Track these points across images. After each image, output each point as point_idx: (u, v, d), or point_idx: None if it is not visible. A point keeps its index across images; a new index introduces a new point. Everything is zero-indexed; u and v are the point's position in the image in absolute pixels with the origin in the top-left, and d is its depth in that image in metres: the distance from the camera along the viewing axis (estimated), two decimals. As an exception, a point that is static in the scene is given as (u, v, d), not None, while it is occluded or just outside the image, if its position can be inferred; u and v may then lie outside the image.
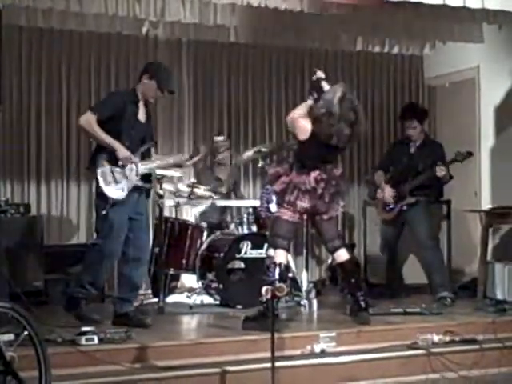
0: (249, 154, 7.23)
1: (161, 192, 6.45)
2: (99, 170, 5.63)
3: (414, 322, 5.97)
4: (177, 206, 7.02)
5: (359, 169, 8.83)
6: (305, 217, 6.07)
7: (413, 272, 7.47)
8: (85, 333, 5.03)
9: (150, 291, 7.06)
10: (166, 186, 6.64)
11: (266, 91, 8.52)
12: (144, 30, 7.46)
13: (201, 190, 6.96)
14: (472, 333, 5.81)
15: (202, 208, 7.26)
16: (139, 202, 5.82)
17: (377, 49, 8.31)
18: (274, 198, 6.21)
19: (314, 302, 6.68)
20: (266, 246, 6.42)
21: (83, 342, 4.96)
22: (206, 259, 6.82)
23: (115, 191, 5.62)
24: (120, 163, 5.64)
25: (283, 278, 5.65)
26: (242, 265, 6.75)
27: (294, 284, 6.84)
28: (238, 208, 7.37)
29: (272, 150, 7.32)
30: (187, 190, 6.91)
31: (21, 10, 6.77)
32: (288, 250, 5.90)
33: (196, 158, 6.14)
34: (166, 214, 6.98)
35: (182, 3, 6.83)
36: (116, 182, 5.64)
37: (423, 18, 6.94)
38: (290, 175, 5.79)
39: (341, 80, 7.07)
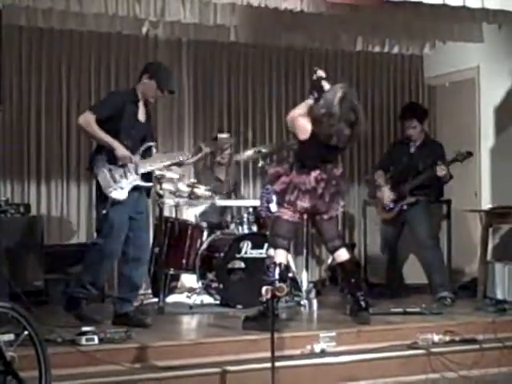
0: (249, 153, 7.23)
1: (161, 192, 6.45)
2: (98, 172, 5.63)
3: (414, 321, 5.97)
4: (177, 205, 7.02)
5: (359, 169, 8.83)
6: (305, 217, 6.07)
7: (413, 272, 7.48)
8: (85, 333, 5.02)
9: (150, 291, 7.06)
10: (166, 185, 6.64)
11: (266, 91, 8.52)
12: (144, 29, 7.46)
13: (201, 190, 6.96)
14: (472, 333, 5.81)
15: (202, 208, 7.26)
16: (139, 202, 5.82)
17: (377, 49, 8.31)
18: (274, 197, 6.20)
19: (314, 301, 6.68)
20: (266, 245, 6.42)
21: (83, 341, 4.96)
22: (206, 259, 6.82)
23: (115, 191, 5.62)
24: (119, 162, 5.64)
25: (283, 277, 5.65)
26: (242, 265, 6.75)
27: (294, 284, 6.85)
28: (238, 208, 7.37)
29: (272, 151, 7.32)
30: (187, 189, 6.91)
31: (21, 9, 6.77)
32: (288, 250, 5.90)
33: (198, 156, 6.10)
34: (166, 213, 6.98)
35: (182, 3, 6.83)
36: (115, 181, 5.64)
37: (423, 18, 6.94)
38: (290, 175, 5.79)
39: (341, 80, 7.07)
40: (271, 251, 5.77)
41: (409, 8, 6.39)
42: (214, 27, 7.38)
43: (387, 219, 7.22)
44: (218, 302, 6.74)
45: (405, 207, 7.03)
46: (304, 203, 5.70)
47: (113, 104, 5.73)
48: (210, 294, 6.81)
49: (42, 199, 7.60)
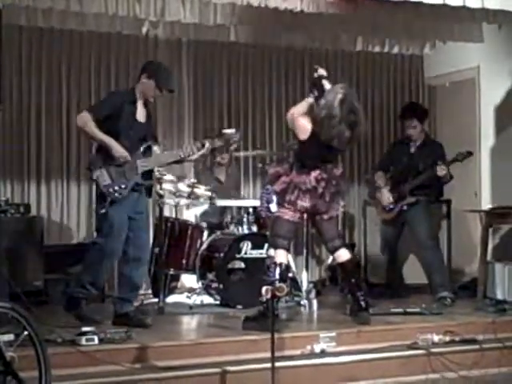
0: (248, 153, 7.24)
1: (161, 192, 6.45)
2: (95, 174, 5.63)
3: (414, 321, 5.97)
4: (177, 206, 7.02)
5: (359, 169, 8.83)
6: (305, 217, 6.07)
7: (413, 272, 7.47)
8: (85, 333, 5.02)
9: (150, 291, 7.06)
10: (166, 186, 6.64)
11: (266, 91, 8.52)
12: (144, 29, 7.46)
13: (201, 190, 6.95)
14: (472, 333, 5.81)
15: (202, 208, 7.26)
16: (139, 202, 5.81)
17: (377, 49, 8.31)
18: (274, 197, 6.21)
19: (314, 302, 6.68)
20: (266, 245, 6.42)
21: (83, 342, 4.95)
22: (206, 259, 6.82)
23: (114, 190, 5.61)
24: (117, 162, 5.63)
25: (283, 278, 5.65)
26: (242, 265, 6.75)
27: (294, 284, 6.84)
28: (238, 208, 7.37)
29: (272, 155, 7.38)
30: (187, 190, 6.90)
31: (21, 9, 6.77)
32: (288, 250, 5.90)
33: (201, 152, 6.05)
34: (166, 213, 6.98)
35: (182, 3, 6.83)
36: (114, 181, 5.63)
37: (423, 18, 6.94)
38: (291, 175, 5.79)
39: (341, 80, 7.06)
40: (271, 251, 5.77)
41: (409, 8, 6.38)
42: (213, 27, 7.38)
43: (387, 219, 7.22)
44: (217, 302, 6.74)
45: (405, 207, 7.03)
46: (304, 203, 5.70)
47: (110, 104, 5.73)
48: (210, 295, 6.81)
49: (42, 199, 7.61)
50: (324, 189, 5.73)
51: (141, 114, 5.84)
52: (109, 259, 5.78)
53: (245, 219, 7.04)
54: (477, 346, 5.67)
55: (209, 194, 6.99)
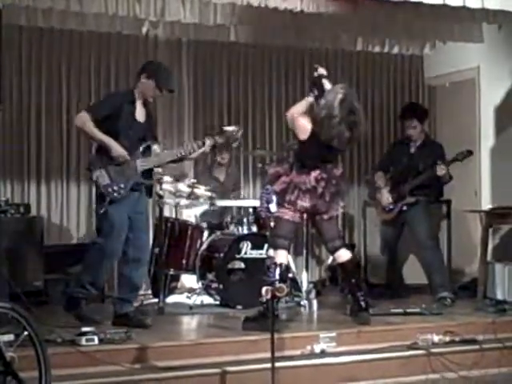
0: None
1: (161, 192, 6.45)
2: (95, 174, 5.62)
3: (414, 322, 5.97)
4: (177, 206, 7.02)
5: (359, 169, 8.83)
6: (305, 217, 6.07)
7: (413, 272, 7.47)
8: (85, 333, 5.02)
9: (149, 291, 7.06)
10: (166, 186, 6.63)
11: (266, 91, 8.52)
12: (144, 29, 7.46)
13: (201, 190, 6.95)
14: (472, 333, 5.81)
15: (202, 208, 7.26)
16: (139, 202, 5.81)
17: (377, 49, 8.31)
18: (273, 198, 6.21)
19: (314, 302, 6.68)
20: (265, 246, 6.42)
21: (83, 342, 4.95)
22: (206, 259, 6.82)
23: (113, 190, 5.61)
24: (116, 161, 5.63)
25: (283, 278, 5.64)
26: (242, 265, 6.75)
27: (294, 284, 6.84)
28: (238, 208, 7.37)
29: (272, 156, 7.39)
30: (187, 190, 6.90)
31: (21, 9, 6.77)
32: (288, 251, 5.90)
33: (202, 149, 6.05)
34: (166, 214, 6.98)
35: (182, 3, 6.83)
36: (113, 180, 5.63)
37: (423, 18, 6.94)
38: (291, 175, 5.78)
39: (341, 80, 7.06)
40: (271, 251, 5.77)
41: (409, 8, 6.38)
42: (214, 27, 7.38)
43: (387, 220, 7.22)
44: (217, 302, 6.74)
45: (404, 208, 7.03)
46: (304, 203, 5.70)
47: (109, 104, 5.73)
48: (210, 295, 6.81)
49: (41, 199, 7.61)
50: (324, 189, 5.73)
51: (140, 114, 5.84)
52: (109, 259, 5.78)
53: (245, 219, 7.04)
54: (477, 347, 5.67)
55: (209, 194, 6.99)
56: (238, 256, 6.74)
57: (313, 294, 6.77)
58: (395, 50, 8.41)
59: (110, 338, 5.08)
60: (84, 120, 5.66)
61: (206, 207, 7.18)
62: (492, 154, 7.97)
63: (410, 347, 5.59)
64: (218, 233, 7.01)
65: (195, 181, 7.17)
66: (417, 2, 6.05)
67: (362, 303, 5.83)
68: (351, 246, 8.00)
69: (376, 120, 8.82)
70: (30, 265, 6.70)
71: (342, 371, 5.27)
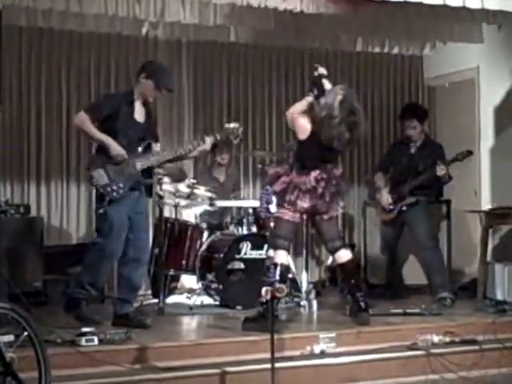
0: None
1: (161, 193, 6.45)
2: (94, 174, 5.62)
3: (414, 322, 5.97)
4: (177, 206, 7.02)
5: (359, 169, 8.83)
6: (305, 217, 6.07)
7: (413, 272, 7.47)
8: (85, 333, 5.02)
9: (149, 292, 7.06)
10: (166, 186, 6.63)
11: (266, 91, 8.52)
12: (144, 30, 7.48)
13: (201, 191, 6.95)
14: (472, 333, 5.81)
15: (201, 209, 7.26)
16: (139, 202, 5.81)
17: (377, 49, 8.33)
18: (273, 198, 6.21)
19: (314, 302, 6.67)
20: (265, 246, 6.42)
21: (83, 342, 4.95)
22: (206, 260, 6.82)
23: (112, 189, 5.60)
24: (115, 161, 5.63)
25: (283, 278, 5.64)
26: (242, 265, 6.75)
27: (294, 285, 6.83)
28: (238, 209, 7.37)
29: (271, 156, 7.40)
30: (187, 190, 6.90)
31: (21, 10, 6.77)
32: (288, 251, 5.90)
33: (201, 148, 6.03)
34: (166, 214, 6.98)
35: (182, 4, 6.83)
36: (112, 180, 5.63)
37: (423, 18, 6.94)
38: (290, 175, 5.78)
39: (341, 80, 7.07)
40: (271, 252, 5.77)
41: (409, 8, 6.38)
42: (213, 27, 7.38)
43: (387, 220, 7.22)
44: (217, 302, 6.74)
45: (404, 208, 7.03)
46: (304, 203, 5.70)
47: (108, 105, 5.73)
48: (210, 295, 6.81)
49: (41, 200, 7.61)
50: (324, 189, 5.73)
51: (139, 114, 5.83)
52: (109, 260, 5.77)
53: (244, 220, 7.04)
54: (477, 347, 5.67)
55: (208, 194, 6.99)
56: (237, 256, 6.74)
57: (312, 295, 6.77)
58: (395, 50, 8.43)
59: (110, 338, 5.07)
60: (83, 119, 5.66)
61: (205, 207, 7.18)
62: (492, 154, 7.97)
63: (409, 348, 5.58)
64: (218, 233, 7.01)
65: (195, 181, 7.17)
66: (417, 3, 6.04)
67: (362, 304, 5.83)
68: (351, 246, 8.01)
69: (376, 120, 8.82)
70: (29, 265, 6.69)
71: (342, 372, 5.27)
